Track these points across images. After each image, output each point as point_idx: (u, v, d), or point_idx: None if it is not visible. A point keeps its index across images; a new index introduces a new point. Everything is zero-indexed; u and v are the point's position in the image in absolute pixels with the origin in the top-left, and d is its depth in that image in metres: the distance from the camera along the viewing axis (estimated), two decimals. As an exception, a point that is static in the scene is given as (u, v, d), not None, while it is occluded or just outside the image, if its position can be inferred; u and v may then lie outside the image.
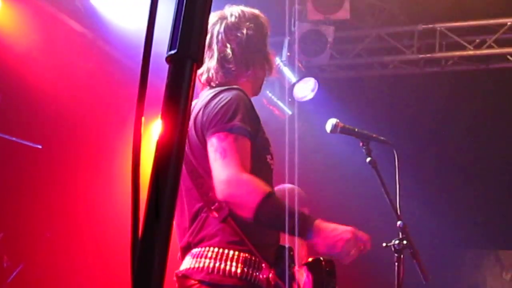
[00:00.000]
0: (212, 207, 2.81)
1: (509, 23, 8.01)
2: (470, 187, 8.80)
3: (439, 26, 8.25)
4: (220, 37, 3.08)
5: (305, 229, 2.69)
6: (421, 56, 8.52)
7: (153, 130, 7.71)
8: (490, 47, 8.22)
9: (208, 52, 3.09)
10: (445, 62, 8.59)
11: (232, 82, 3.05)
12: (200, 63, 1.03)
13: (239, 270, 2.74)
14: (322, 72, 8.94)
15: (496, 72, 8.41)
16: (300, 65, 8.15)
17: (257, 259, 2.79)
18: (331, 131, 3.82)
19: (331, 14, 7.53)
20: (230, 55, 3.05)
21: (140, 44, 1.04)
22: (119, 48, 7.02)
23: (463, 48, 8.31)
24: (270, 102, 8.33)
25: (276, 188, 3.30)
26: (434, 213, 8.41)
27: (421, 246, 3.78)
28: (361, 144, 3.85)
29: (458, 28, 8.27)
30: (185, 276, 2.83)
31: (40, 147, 5.79)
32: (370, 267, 6.80)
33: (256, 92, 3.26)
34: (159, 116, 0.99)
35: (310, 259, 2.96)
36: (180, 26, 1.01)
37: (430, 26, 8.29)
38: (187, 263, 2.85)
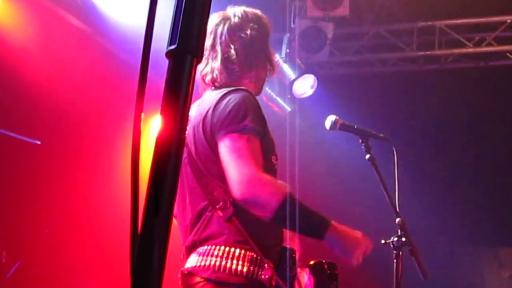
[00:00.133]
0: (217, 206, 2.83)
1: (508, 21, 8.01)
2: (469, 184, 8.81)
3: (438, 23, 8.25)
4: (223, 38, 3.08)
5: (322, 231, 2.75)
6: (420, 53, 8.52)
7: (153, 126, 7.71)
8: (489, 44, 8.22)
9: (211, 52, 3.10)
10: (445, 60, 8.59)
11: (236, 82, 3.06)
12: (200, 58, 1.03)
13: (245, 269, 2.76)
14: (322, 69, 8.94)
15: (495, 70, 8.41)
16: (299, 61, 8.15)
17: (261, 259, 2.80)
18: (330, 128, 3.82)
19: (330, 10, 7.52)
20: (234, 56, 3.05)
21: (139, 40, 1.04)
22: (118, 44, 7.01)
23: (463, 45, 8.32)
24: (269, 99, 8.33)
25: None
26: (433, 210, 8.42)
27: (420, 243, 3.77)
28: (360, 141, 3.85)
29: (457, 25, 8.27)
30: (190, 274, 2.84)
31: (39, 143, 5.79)
32: (369, 264, 6.80)
33: (258, 92, 3.26)
34: (159, 111, 0.99)
35: (312, 262, 2.96)
36: (180, 21, 1.01)
37: (430, 23, 8.29)
38: (193, 261, 2.86)
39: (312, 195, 2.92)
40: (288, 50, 7.77)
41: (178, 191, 3.03)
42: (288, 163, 3.14)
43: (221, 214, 2.82)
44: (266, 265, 2.80)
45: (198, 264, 2.82)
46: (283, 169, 3.22)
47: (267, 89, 8.08)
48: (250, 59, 3.10)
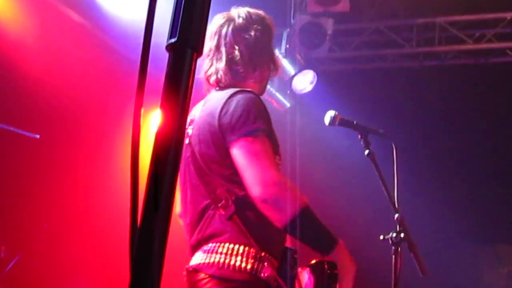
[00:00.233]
0: (219, 205, 2.87)
1: (508, 18, 8.00)
2: (469, 180, 8.81)
3: (438, 19, 8.24)
4: (228, 39, 3.11)
5: (329, 248, 2.80)
6: (420, 49, 8.52)
7: (152, 120, 7.70)
8: (489, 41, 8.21)
9: (216, 53, 3.12)
10: (444, 56, 8.59)
11: (240, 83, 3.09)
12: (200, 52, 1.03)
13: (249, 266, 2.79)
14: (321, 65, 8.93)
15: (495, 66, 8.41)
16: (299, 57, 8.14)
17: (265, 256, 2.84)
18: (330, 123, 3.82)
19: (330, 6, 7.52)
20: (238, 57, 3.08)
21: (139, 35, 1.03)
22: (118, 38, 7.00)
23: (463, 42, 8.31)
24: (269, 95, 8.32)
25: None
26: (432, 207, 8.42)
27: (418, 239, 3.77)
28: (359, 136, 3.85)
29: (457, 22, 8.26)
30: (195, 271, 2.87)
31: (38, 137, 5.78)
32: (367, 260, 6.81)
33: (262, 91, 3.28)
34: (159, 105, 0.99)
35: (313, 261, 2.98)
36: (181, 15, 1.01)
37: (430, 19, 8.28)
38: (198, 258, 2.90)
39: (311, 190, 2.92)
40: (287, 46, 7.76)
41: (182, 190, 3.10)
42: (288, 159, 3.15)
43: (223, 212, 2.86)
44: (267, 263, 2.82)
45: (202, 261, 2.86)
46: (283, 164, 3.23)
47: (266, 84, 8.07)
48: (254, 59, 3.13)
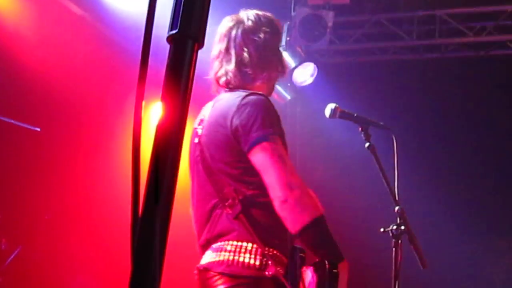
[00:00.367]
0: (226, 204, 2.93)
1: (509, 10, 8.00)
2: (469, 173, 8.80)
3: (439, 12, 8.23)
4: (237, 41, 3.16)
5: (334, 262, 2.84)
6: (420, 42, 8.51)
7: (153, 112, 7.70)
8: (490, 33, 8.21)
9: (226, 55, 3.17)
10: (445, 48, 8.58)
11: (249, 84, 3.15)
12: (201, 43, 1.03)
13: (257, 262, 2.84)
14: (322, 57, 8.93)
15: (496, 59, 8.40)
16: (299, 50, 8.14)
17: (274, 253, 2.90)
18: (330, 116, 3.82)
19: (331, -1, 7.52)
20: (248, 59, 3.13)
21: (140, 27, 1.03)
22: (118, 31, 6.99)
23: (463, 34, 8.30)
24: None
25: None
26: (432, 199, 8.42)
27: (418, 231, 3.78)
28: (360, 129, 3.85)
29: (458, 14, 8.26)
30: (206, 270, 2.94)
31: (38, 129, 5.78)
32: (368, 252, 6.82)
33: (270, 92, 3.34)
34: (160, 97, 0.99)
35: (317, 260, 3.00)
36: (182, 6, 1.01)
37: (430, 12, 8.27)
38: (208, 257, 2.96)
39: (311, 183, 2.93)
40: (288, 38, 7.75)
41: (191, 188, 3.17)
42: (288, 151, 3.15)
43: (230, 211, 2.92)
44: (274, 260, 2.87)
45: (212, 260, 2.92)
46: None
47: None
48: (262, 61, 3.17)
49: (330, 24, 7.72)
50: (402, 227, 3.65)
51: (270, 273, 2.83)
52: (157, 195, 0.95)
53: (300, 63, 7.94)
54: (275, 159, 2.82)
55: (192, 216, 3.15)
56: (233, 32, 3.18)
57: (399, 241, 3.66)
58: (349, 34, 8.69)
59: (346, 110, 3.85)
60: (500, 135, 8.64)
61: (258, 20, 3.23)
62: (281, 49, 3.37)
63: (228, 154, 2.94)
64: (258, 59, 3.15)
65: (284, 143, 2.95)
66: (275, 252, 2.89)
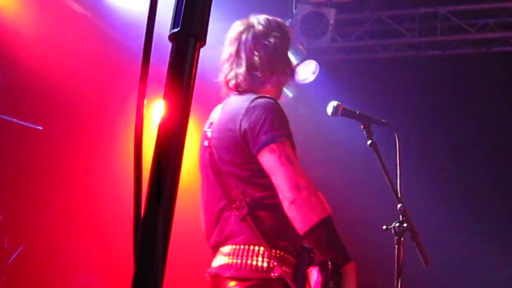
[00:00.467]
0: (233, 206, 2.96)
1: (511, 7, 7.97)
2: (471, 170, 8.80)
3: (441, 9, 8.21)
4: (248, 44, 3.21)
5: (341, 263, 2.85)
6: (422, 39, 8.49)
7: (155, 111, 7.70)
8: (492, 30, 8.19)
9: (236, 59, 3.22)
10: (447, 45, 8.56)
11: (258, 87, 3.19)
12: (203, 42, 1.03)
13: (265, 264, 2.88)
14: (323, 55, 8.91)
15: (497, 56, 8.39)
16: (301, 47, 8.13)
17: (282, 255, 2.93)
18: (332, 113, 3.82)
19: (332, -4, 7.51)
20: (258, 62, 3.18)
21: (141, 25, 1.03)
22: (120, 29, 7.00)
23: (465, 31, 8.28)
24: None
25: None
26: (435, 196, 8.42)
27: (421, 229, 3.78)
28: (362, 126, 3.85)
29: (460, 11, 8.23)
30: (216, 275, 2.97)
31: (41, 128, 5.79)
32: (370, 249, 6.82)
33: (278, 96, 3.37)
34: (162, 96, 0.99)
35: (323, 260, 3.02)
36: (184, 4, 1.01)
37: (432, 9, 8.25)
38: (218, 261, 3.00)
39: (313, 180, 2.93)
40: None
41: (201, 191, 3.21)
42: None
43: (237, 213, 2.95)
44: (282, 261, 2.90)
45: (221, 264, 2.96)
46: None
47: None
48: (272, 65, 3.22)
49: (331, 21, 7.71)
50: (405, 225, 3.64)
51: (276, 274, 2.85)
52: (159, 194, 0.95)
53: (302, 60, 7.93)
54: (284, 161, 2.85)
55: (202, 218, 3.18)
56: (244, 36, 3.23)
57: (402, 239, 3.66)
58: (350, 32, 8.68)
59: (348, 108, 3.85)
60: (503, 132, 8.63)
61: (268, 25, 3.28)
62: (289, 53, 3.41)
63: (237, 156, 2.98)
64: (268, 63, 3.19)
65: (292, 145, 2.98)
66: (282, 253, 2.92)
